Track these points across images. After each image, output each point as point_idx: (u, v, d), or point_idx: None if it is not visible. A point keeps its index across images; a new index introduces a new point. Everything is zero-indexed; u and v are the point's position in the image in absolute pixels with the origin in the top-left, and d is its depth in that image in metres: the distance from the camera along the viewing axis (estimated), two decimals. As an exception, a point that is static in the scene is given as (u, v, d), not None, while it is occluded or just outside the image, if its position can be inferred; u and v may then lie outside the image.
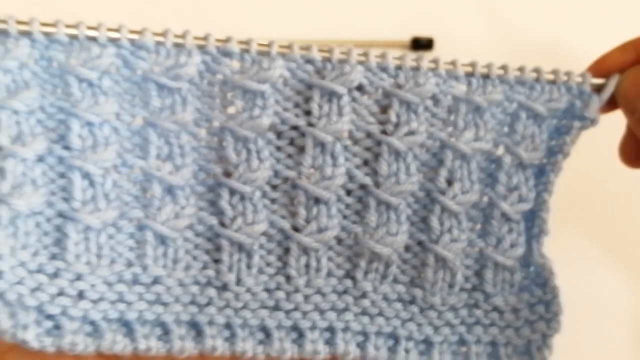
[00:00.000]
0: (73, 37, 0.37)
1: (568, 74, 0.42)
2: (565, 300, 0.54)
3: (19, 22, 0.37)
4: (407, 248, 0.42)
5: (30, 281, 0.38)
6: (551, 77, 0.42)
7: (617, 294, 0.61)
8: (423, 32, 0.67)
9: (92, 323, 0.39)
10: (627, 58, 0.43)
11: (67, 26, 0.37)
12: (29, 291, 0.38)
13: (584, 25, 0.65)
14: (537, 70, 0.42)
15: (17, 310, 0.37)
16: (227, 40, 0.39)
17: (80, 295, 0.39)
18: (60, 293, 0.38)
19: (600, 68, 0.43)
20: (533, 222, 0.43)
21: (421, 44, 0.66)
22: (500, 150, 0.42)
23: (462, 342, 0.43)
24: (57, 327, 0.38)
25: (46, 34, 0.37)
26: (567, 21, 0.66)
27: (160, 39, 0.38)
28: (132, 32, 0.38)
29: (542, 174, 0.42)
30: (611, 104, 0.43)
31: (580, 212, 0.62)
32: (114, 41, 0.38)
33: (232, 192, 0.39)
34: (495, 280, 0.43)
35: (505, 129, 0.42)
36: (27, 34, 0.37)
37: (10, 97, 0.36)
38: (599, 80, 0.42)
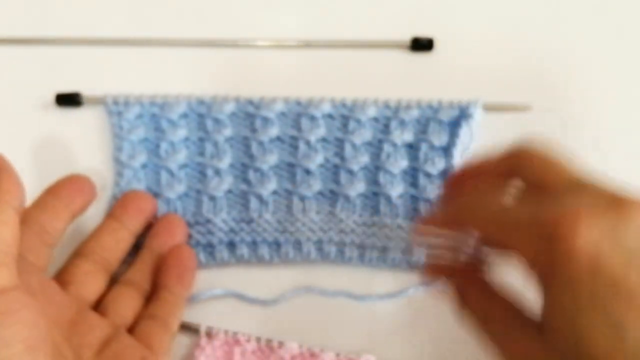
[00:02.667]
0: (164, 99, 0.67)
1: (460, 101, 0.64)
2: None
3: (134, 97, 0.67)
4: (367, 195, 0.64)
5: None
6: (449, 103, 0.64)
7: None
8: (423, 32, 0.68)
9: None
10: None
11: (160, 97, 0.67)
12: None
13: (582, 25, 0.69)
14: (439, 101, 0.65)
15: None
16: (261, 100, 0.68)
17: None
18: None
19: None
20: (445, 175, 0.64)
21: (421, 44, 0.67)
22: (419, 140, 0.64)
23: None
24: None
25: (150, 101, 0.67)
26: (567, 21, 0.69)
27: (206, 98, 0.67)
28: (198, 98, 0.67)
29: (447, 150, 0.64)
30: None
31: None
32: (186, 99, 0.67)
33: (255, 170, 0.64)
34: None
35: (422, 128, 0.65)
36: (139, 101, 0.67)
37: (129, 132, 0.65)
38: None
